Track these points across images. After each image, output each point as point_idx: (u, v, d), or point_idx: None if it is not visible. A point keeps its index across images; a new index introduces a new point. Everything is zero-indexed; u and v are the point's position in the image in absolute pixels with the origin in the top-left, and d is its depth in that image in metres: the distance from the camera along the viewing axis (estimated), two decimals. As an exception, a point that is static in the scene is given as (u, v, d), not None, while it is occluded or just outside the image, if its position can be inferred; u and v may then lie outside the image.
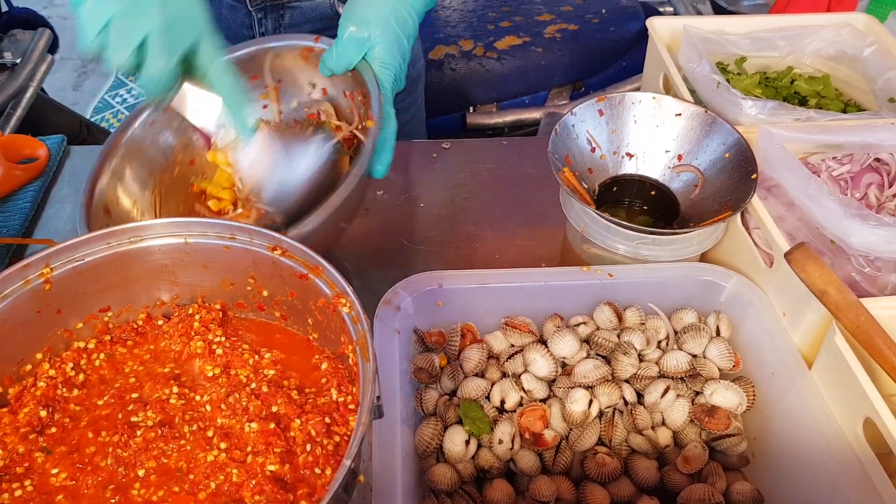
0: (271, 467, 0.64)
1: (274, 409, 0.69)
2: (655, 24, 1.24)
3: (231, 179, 0.98)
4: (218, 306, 0.78)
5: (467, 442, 0.83)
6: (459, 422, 0.86)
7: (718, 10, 2.29)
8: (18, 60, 1.61)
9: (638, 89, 1.84)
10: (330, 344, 0.75)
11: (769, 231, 0.89)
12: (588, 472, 0.84)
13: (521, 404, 0.88)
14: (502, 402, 0.88)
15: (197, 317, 0.77)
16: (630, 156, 1.04)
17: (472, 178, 1.31)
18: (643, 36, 1.99)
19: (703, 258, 0.99)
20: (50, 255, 0.68)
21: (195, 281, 0.76)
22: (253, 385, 0.72)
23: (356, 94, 0.97)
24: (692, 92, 1.14)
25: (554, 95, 1.97)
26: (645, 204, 1.06)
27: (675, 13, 2.13)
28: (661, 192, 1.04)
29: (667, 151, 1.03)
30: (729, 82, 1.12)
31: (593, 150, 1.03)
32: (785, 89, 1.27)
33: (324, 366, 0.73)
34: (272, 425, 0.67)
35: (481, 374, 0.90)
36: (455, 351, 0.91)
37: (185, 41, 0.78)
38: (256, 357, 0.75)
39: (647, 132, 1.03)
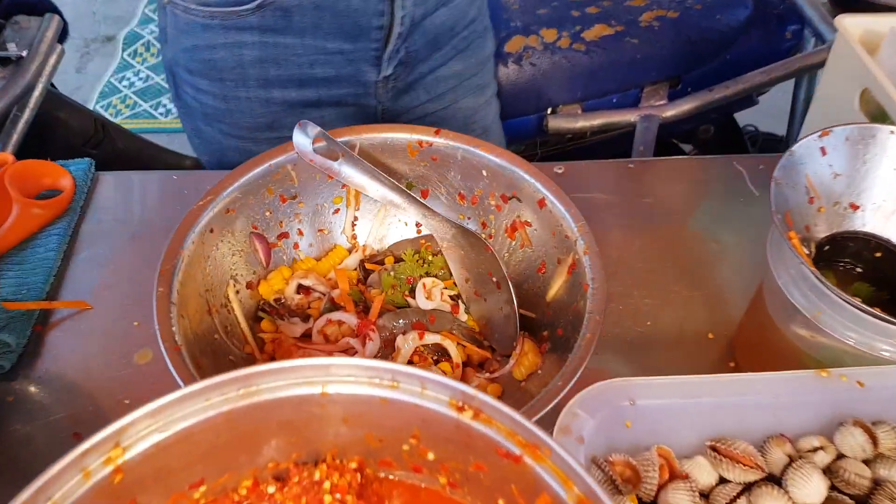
0: None
1: None
2: (847, 24, 0.97)
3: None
4: (354, 464, 0.54)
5: None
6: None
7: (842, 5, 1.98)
8: (24, 53, 1.32)
9: (751, 91, 1.59)
10: (530, 533, 0.50)
11: None
12: None
13: (746, 566, 0.64)
14: (723, 564, 0.64)
15: (327, 483, 0.52)
16: (855, 207, 0.79)
17: (598, 214, 1.05)
18: (750, 25, 1.73)
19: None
20: (121, 430, 0.43)
21: (326, 436, 0.51)
22: None
23: None
24: (909, 115, 0.88)
25: (649, 94, 1.70)
26: (864, 267, 0.81)
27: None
28: (890, 254, 0.79)
29: (905, 202, 0.77)
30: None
31: (811, 200, 0.77)
32: None
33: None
34: None
35: (689, 524, 0.66)
36: (652, 491, 0.67)
37: None
38: (420, 551, 0.50)
39: (882, 176, 0.77)
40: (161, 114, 3.11)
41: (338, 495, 0.52)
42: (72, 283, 0.95)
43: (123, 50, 3.37)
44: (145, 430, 0.44)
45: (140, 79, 3.26)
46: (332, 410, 0.49)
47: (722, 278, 0.96)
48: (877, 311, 0.65)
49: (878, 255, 0.80)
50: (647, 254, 0.99)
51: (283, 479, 0.54)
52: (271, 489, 0.53)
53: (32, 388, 0.86)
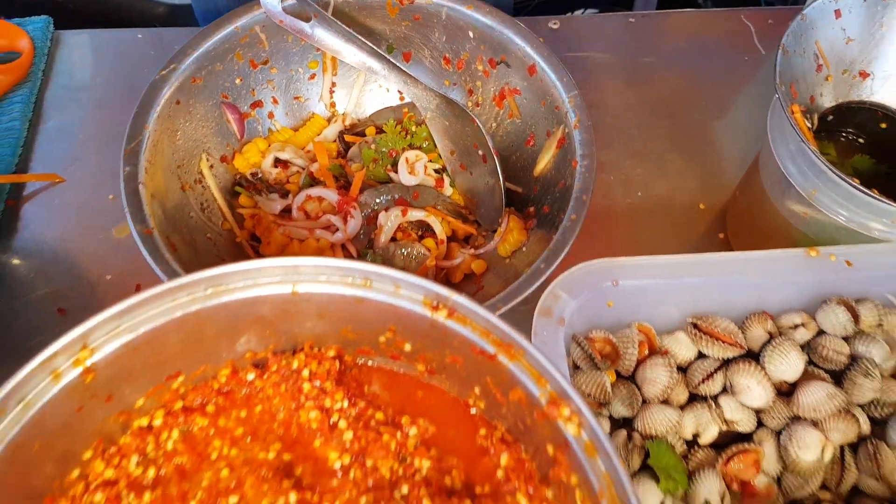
0: None
1: (443, 533, 0.47)
2: None
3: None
4: (332, 352, 0.53)
5: (662, 502, 0.63)
6: (644, 467, 0.65)
7: None
8: None
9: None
10: (505, 419, 0.51)
11: None
12: (809, 528, 0.65)
13: (718, 435, 0.67)
14: (695, 435, 0.67)
15: (305, 371, 0.52)
16: (865, 75, 0.74)
17: (593, 77, 0.99)
18: None
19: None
20: (87, 333, 0.42)
21: (301, 328, 0.51)
22: (404, 489, 0.49)
23: None
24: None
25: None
26: (867, 138, 0.77)
27: None
28: (895, 125, 0.75)
29: (919, 70, 0.72)
30: None
31: (819, 68, 0.72)
32: None
33: (503, 458, 0.50)
34: (452, 573, 0.45)
35: (665, 399, 0.68)
36: (631, 366, 0.68)
37: None
38: (399, 436, 0.51)
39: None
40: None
41: (317, 382, 0.53)
42: (41, 155, 0.91)
43: None
44: (112, 331, 0.43)
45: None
46: (306, 307, 0.48)
47: (719, 146, 0.92)
48: (872, 192, 0.63)
49: (883, 126, 0.76)
50: (642, 120, 0.95)
51: (262, 366, 0.54)
52: (250, 376, 0.53)
53: (13, 264, 0.85)
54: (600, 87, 0.97)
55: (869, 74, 0.73)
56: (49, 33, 0.98)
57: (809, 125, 0.72)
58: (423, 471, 0.50)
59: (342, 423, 0.52)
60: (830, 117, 0.76)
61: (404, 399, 0.54)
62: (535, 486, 0.49)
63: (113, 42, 1.01)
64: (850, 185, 0.64)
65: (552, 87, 0.76)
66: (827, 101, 0.74)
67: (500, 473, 0.51)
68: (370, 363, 0.55)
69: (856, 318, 0.68)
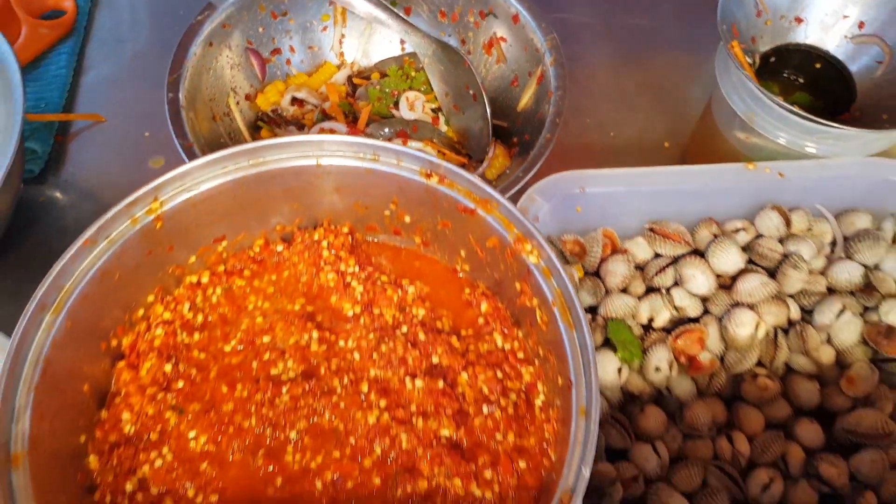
0: (445, 432, 0.56)
1: (434, 359, 0.59)
2: None
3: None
4: (346, 229, 0.66)
5: (619, 370, 0.75)
6: (606, 343, 0.77)
7: None
8: None
9: None
10: (485, 278, 0.63)
11: (983, 126, 0.74)
12: (746, 395, 0.77)
13: (670, 320, 0.79)
14: (650, 320, 0.79)
15: (325, 242, 0.65)
16: (799, 21, 0.86)
17: (575, 34, 1.11)
18: None
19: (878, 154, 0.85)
20: (159, 187, 0.54)
21: (322, 204, 0.63)
22: (404, 328, 0.61)
23: None
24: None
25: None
26: (805, 78, 0.90)
27: None
28: (829, 66, 0.87)
29: (846, 17, 0.84)
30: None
31: (759, 13, 0.84)
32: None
33: (483, 306, 0.62)
34: (440, 383, 0.57)
35: (625, 290, 0.80)
36: (595, 262, 0.80)
37: None
38: (400, 293, 0.63)
39: (826, -10, 0.84)
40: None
41: (333, 251, 0.65)
42: (85, 99, 1.03)
43: None
44: (177, 188, 0.55)
45: None
46: (326, 181, 0.60)
47: (684, 90, 1.04)
48: (797, 109, 0.75)
49: (818, 66, 0.88)
50: (616, 70, 1.07)
51: (289, 240, 0.66)
52: (279, 248, 0.66)
53: (59, 192, 0.97)
54: (579, 42, 1.09)
55: (803, 20, 0.85)
56: (90, -6, 1.10)
57: (751, 62, 0.84)
58: (419, 317, 0.62)
59: (354, 283, 0.64)
60: (773, 59, 0.88)
61: (404, 267, 0.67)
62: (508, 327, 0.62)
63: (145, 3, 1.13)
64: (781, 106, 0.76)
65: (532, 33, 0.88)
66: (767, 43, 0.86)
67: (480, 320, 0.63)
68: (376, 239, 0.67)
69: (788, 223, 0.80)
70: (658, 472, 0.73)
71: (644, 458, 0.73)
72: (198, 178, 0.56)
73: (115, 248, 0.54)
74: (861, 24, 0.84)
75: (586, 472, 0.44)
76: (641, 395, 0.77)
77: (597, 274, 0.81)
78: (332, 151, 0.57)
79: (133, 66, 1.06)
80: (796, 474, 0.75)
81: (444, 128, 0.96)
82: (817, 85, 0.89)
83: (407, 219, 0.63)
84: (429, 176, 0.57)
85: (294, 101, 0.95)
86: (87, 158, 0.99)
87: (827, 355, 0.79)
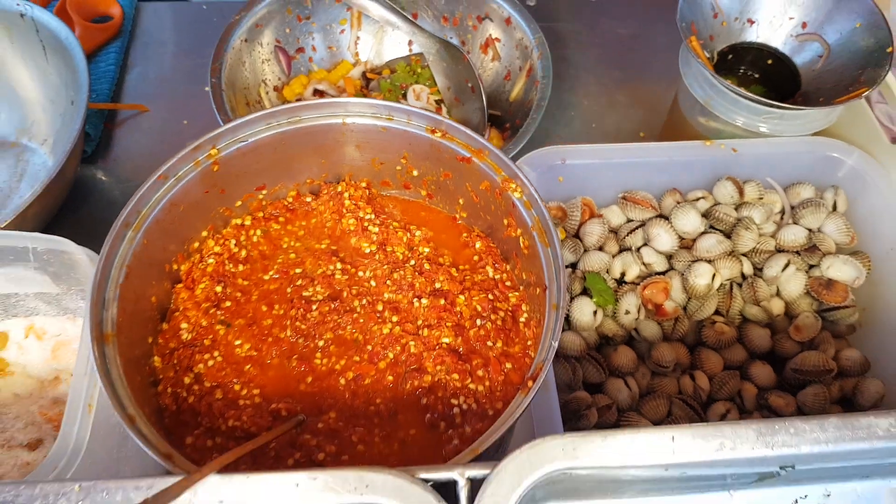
0: (446, 339, 0.68)
1: (437, 285, 0.72)
2: None
3: None
4: (364, 184, 0.79)
5: (594, 313, 0.88)
6: (584, 292, 0.90)
7: None
8: None
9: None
10: (480, 222, 0.76)
11: (903, 107, 0.87)
12: (706, 339, 0.89)
13: (640, 277, 0.92)
14: (622, 274, 0.91)
15: (346, 194, 0.78)
16: (751, 22, 1.00)
17: (563, 40, 1.26)
18: None
19: (820, 134, 0.98)
20: (217, 137, 0.68)
21: (345, 160, 0.76)
22: (412, 262, 0.74)
23: None
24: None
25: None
26: (759, 73, 1.03)
27: None
28: (778, 62, 1.01)
29: (791, 18, 0.98)
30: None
31: (715, 15, 0.98)
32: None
33: (478, 245, 0.75)
34: (442, 301, 0.70)
35: (601, 248, 0.93)
36: (575, 225, 0.93)
37: None
38: (409, 235, 0.76)
39: (773, -4, 0.98)
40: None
41: (353, 202, 0.78)
42: (130, 93, 1.17)
43: None
44: (231, 139, 0.69)
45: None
46: (349, 138, 0.73)
47: (656, 88, 1.18)
48: (744, 92, 0.88)
49: (770, 62, 1.02)
50: (598, 69, 1.21)
51: (316, 193, 0.79)
52: (308, 199, 0.79)
53: (107, 172, 1.11)
54: (566, 46, 1.23)
55: (754, 21, 0.99)
56: (134, 3, 1.25)
57: (710, 57, 0.98)
58: (425, 253, 0.75)
59: (370, 227, 0.77)
60: (730, 56, 1.02)
61: (412, 216, 0.80)
62: (498, 262, 0.74)
63: (183, 11, 1.28)
64: (732, 90, 0.89)
65: (522, 33, 1.03)
66: (723, 41, 1.00)
67: (475, 257, 0.76)
68: (389, 194, 0.80)
69: (741, 193, 0.93)
70: (629, 403, 0.85)
71: (617, 389, 0.86)
72: (247, 131, 0.69)
73: (181, 184, 0.67)
74: (804, 24, 0.98)
75: (555, 345, 0.56)
76: (615, 336, 0.89)
77: (577, 236, 0.94)
78: (355, 112, 0.71)
79: (172, 64, 1.21)
80: (750, 407, 0.87)
81: (446, 117, 1.10)
82: (769, 78, 1.02)
83: (415, 172, 0.76)
84: (433, 132, 0.70)
85: (316, 92, 1.09)
86: (132, 143, 1.13)
87: (777, 307, 0.92)
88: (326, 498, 0.48)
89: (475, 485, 0.49)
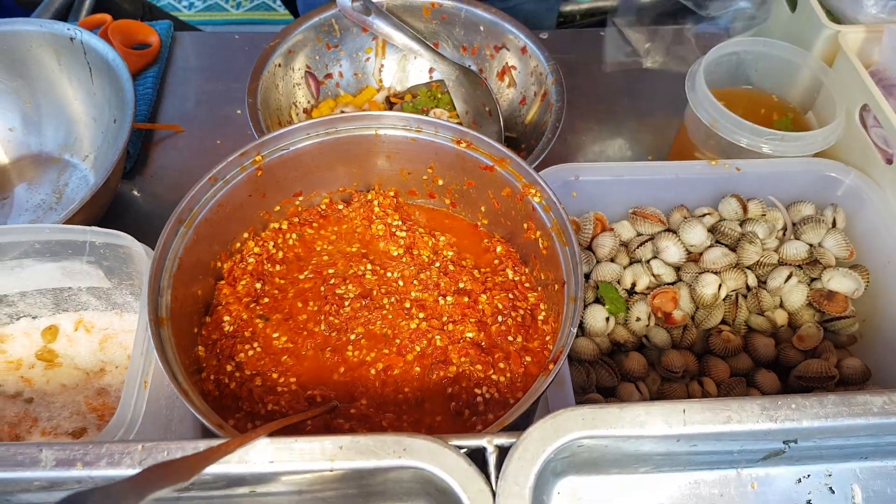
0: (469, 334, 0.73)
1: (461, 285, 0.77)
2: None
3: None
4: (392, 193, 0.85)
5: (607, 319, 0.92)
6: (597, 300, 0.94)
7: None
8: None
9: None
10: (500, 229, 0.82)
11: (894, 129, 0.93)
12: (713, 347, 0.93)
13: (649, 287, 0.97)
14: (633, 284, 0.96)
15: (376, 202, 0.83)
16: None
17: (574, 70, 1.33)
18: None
19: (819, 155, 1.04)
20: (262, 144, 0.74)
21: (375, 170, 0.82)
22: (437, 264, 0.79)
23: None
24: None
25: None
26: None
27: None
28: (778, 88, 1.07)
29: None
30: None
31: (719, 45, 1.05)
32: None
33: (498, 249, 0.81)
34: (465, 299, 0.75)
35: (612, 260, 0.98)
36: (588, 238, 0.98)
37: None
38: (434, 240, 0.82)
39: None
40: (185, 6, 3.31)
41: (382, 209, 0.84)
42: (166, 114, 1.24)
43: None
44: (274, 147, 0.75)
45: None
46: (381, 148, 0.79)
47: (663, 115, 1.24)
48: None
49: (771, 89, 1.08)
50: (608, 97, 1.28)
51: (348, 201, 0.85)
52: (340, 206, 0.85)
53: (145, 187, 1.17)
54: (578, 76, 1.31)
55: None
56: (170, 32, 1.33)
57: (714, 83, 1.05)
58: (449, 256, 0.81)
59: (398, 232, 0.82)
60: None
61: (437, 223, 0.85)
62: (517, 265, 0.80)
63: (215, 40, 1.37)
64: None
65: (537, 60, 1.10)
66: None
67: (496, 261, 0.81)
68: (415, 203, 0.86)
69: (745, 209, 0.99)
70: (640, 406, 0.89)
71: (629, 394, 0.90)
72: (289, 140, 0.75)
73: (228, 186, 0.73)
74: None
75: (574, 331, 0.61)
76: (626, 343, 0.93)
77: (590, 248, 0.99)
78: (388, 124, 0.77)
79: (205, 88, 1.28)
80: (756, 412, 0.91)
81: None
82: (771, 105, 1.09)
83: (440, 181, 0.82)
84: (458, 142, 0.76)
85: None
86: (168, 161, 1.20)
87: (781, 317, 0.96)
88: (368, 460, 0.52)
89: (502, 452, 0.53)
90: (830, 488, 0.60)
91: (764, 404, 0.54)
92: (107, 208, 1.05)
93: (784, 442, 0.56)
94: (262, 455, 0.52)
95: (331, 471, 0.52)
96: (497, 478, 0.52)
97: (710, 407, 0.54)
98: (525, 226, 0.76)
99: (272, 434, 0.53)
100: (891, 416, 0.53)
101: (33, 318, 0.81)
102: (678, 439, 0.54)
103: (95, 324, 0.80)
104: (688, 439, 0.55)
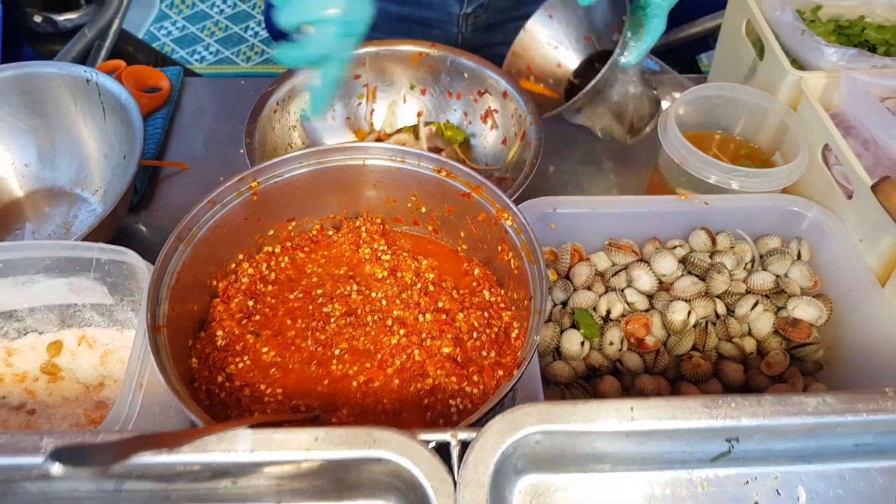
0: (446, 349, 0.78)
1: (440, 304, 0.82)
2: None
3: None
4: (379, 220, 0.91)
5: (582, 343, 0.97)
6: (573, 326, 0.99)
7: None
8: (106, -7, 1.68)
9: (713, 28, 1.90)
10: (478, 253, 0.88)
11: (852, 167, 0.99)
12: (684, 372, 0.98)
13: (623, 314, 1.02)
14: (608, 311, 1.01)
15: (363, 228, 0.90)
16: (588, 39, 1.16)
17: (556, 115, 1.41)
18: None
19: (785, 191, 1.11)
20: (258, 171, 0.81)
21: (363, 198, 0.89)
22: (418, 285, 0.85)
23: None
24: (776, 37, 1.23)
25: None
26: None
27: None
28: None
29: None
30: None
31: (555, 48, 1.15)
32: (856, 37, 1.35)
33: (476, 272, 0.86)
34: (444, 316, 0.80)
35: (588, 288, 1.03)
36: (566, 267, 1.04)
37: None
38: (416, 263, 0.88)
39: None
40: (196, 60, 3.46)
41: (369, 235, 0.90)
42: (173, 153, 1.32)
43: (161, 1, 3.71)
44: (270, 174, 0.82)
45: (177, 27, 3.61)
46: (368, 177, 0.86)
47: (640, 157, 1.31)
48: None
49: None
50: (587, 140, 1.35)
51: (338, 227, 0.91)
52: (331, 232, 0.91)
53: (150, 221, 1.24)
54: (559, 120, 1.38)
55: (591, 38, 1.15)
56: (180, 77, 1.43)
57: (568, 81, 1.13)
58: (430, 279, 0.86)
59: (383, 256, 0.88)
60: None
61: (420, 248, 0.91)
62: (494, 286, 0.85)
63: (223, 85, 1.46)
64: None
65: (517, 104, 1.17)
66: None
67: (474, 283, 0.87)
68: (400, 230, 0.92)
69: (714, 242, 1.05)
70: (614, 427, 0.93)
71: (603, 414, 0.94)
72: (284, 168, 0.82)
73: (225, 210, 0.79)
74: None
75: (537, 339, 0.66)
76: (601, 367, 0.98)
77: (567, 277, 1.04)
78: (374, 155, 0.84)
79: (211, 129, 1.36)
80: (726, 435, 0.95)
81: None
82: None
83: (423, 209, 0.88)
84: (439, 171, 0.83)
85: (337, 153, 1.22)
86: (173, 197, 1.27)
87: (750, 345, 1.01)
88: (340, 450, 0.57)
89: (465, 446, 0.58)
90: (777, 490, 0.64)
91: (706, 402, 0.59)
92: (112, 238, 1.12)
93: (727, 440, 0.60)
94: (244, 443, 0.57)
95: (306, 461, 0.57)
96: (459, 468, 0.56)
97: (656, 404, 0.58)
98: (499, 248, 0.82)
99: (254, 427, 0.58)
100: (823, 416, 0.58)
101: (40, 333, 0.86)
102: (627, 435, 0.59)
103: (97, 339, 0.86)
104: (637, 437, 0.59)
